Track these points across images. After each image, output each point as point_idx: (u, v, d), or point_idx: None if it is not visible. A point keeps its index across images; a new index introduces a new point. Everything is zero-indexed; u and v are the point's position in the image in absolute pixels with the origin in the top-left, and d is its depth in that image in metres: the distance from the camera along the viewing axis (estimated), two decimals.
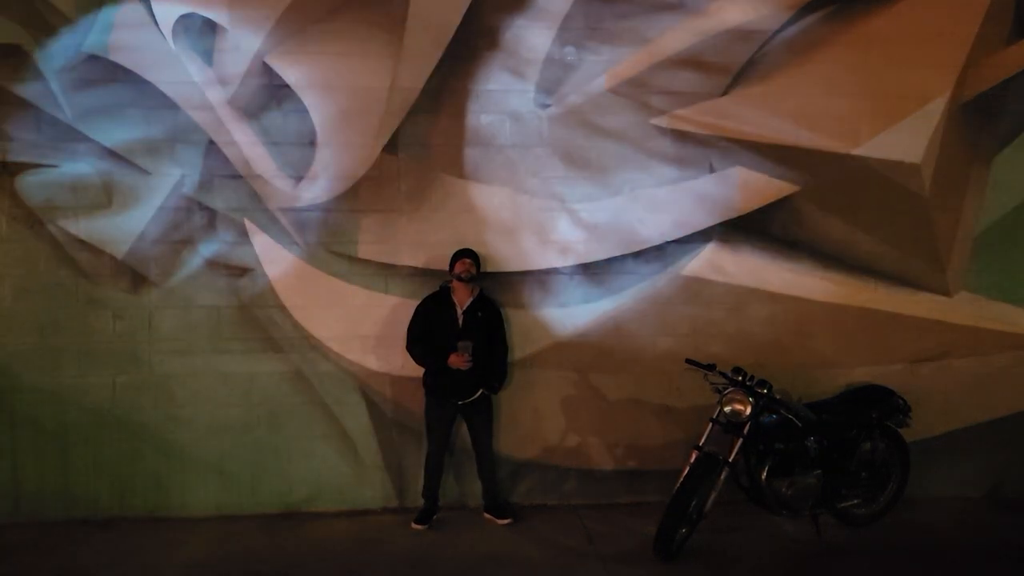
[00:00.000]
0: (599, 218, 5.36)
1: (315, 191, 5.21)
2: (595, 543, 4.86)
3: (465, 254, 5.06)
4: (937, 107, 5.34)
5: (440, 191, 5.29)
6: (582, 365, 5.41)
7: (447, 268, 5.09)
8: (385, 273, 5.29)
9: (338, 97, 5.17)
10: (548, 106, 5.31)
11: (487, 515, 5.21)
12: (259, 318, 5.24)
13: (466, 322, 5.02)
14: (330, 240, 5.24)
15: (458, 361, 4.91)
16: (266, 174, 5.18)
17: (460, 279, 5.03)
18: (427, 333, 5.03)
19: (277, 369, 5.27)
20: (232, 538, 4.93)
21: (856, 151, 5.35)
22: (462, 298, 5.06)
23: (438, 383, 5.06)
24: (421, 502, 5.19)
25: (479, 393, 5.07)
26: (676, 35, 5.29)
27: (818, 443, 4.83)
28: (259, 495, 5.30)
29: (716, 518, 4.65)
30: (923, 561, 4.62)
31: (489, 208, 5.31)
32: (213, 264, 5.20)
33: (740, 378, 4.69)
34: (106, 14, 4.99)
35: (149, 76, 5.05)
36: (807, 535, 4.89)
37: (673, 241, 5.39)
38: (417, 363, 5.09)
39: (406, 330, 5.09)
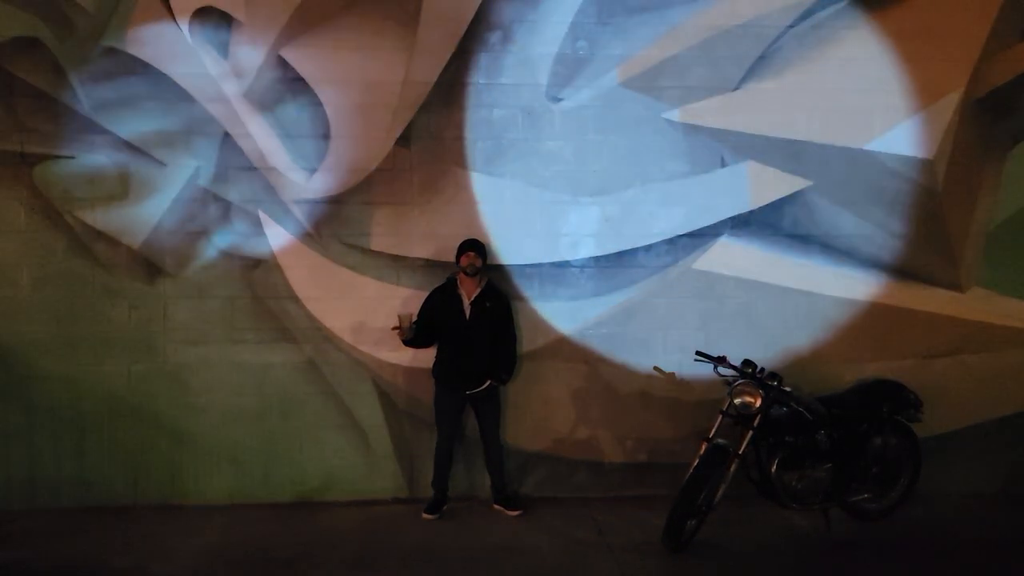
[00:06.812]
0: (610, 211, 5.38)
1: (329, 183, 5.25)
2: (604, 534, 4.87)
3: (470, 247, 5.07)
4: (950, 102, 5.33)
5: (452, 184, 5.32)
6: (592, 358, 5.43)
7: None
8: (397, 265, 5.33)
9: (352, 90, 5.21)
10: (560, 100, 5.34)
11: (497, 506, 5.24)
12: (272, 309, 5.29)
13: (473, 313, 5.04)
14: (343, 232, 5.29)
15: (395, 332, 4.93)
16: (280, 166, 5.23)
17: (465, 273, 5.06)
18: (432, 326, 5.05)
19: (290, 359, 5.32)
20: (244, 526, 4.97)
21: (868, 146, 5.34)
22: (469, 289, 5.08)
23: (446, 373, 5.10)
24: (431, 492, 5.22)
25: (487, 384, 5.10)
26: (688, 29, 5.30)
27: (829, 436, 4.81)
28: (272, 484, 5.35)
29: (725, 510, 4.65)
30: (933, 557, 4.59)
31: (501, 201, 5.33)
32: (227, 255, 5.25)
33: (750, 370, 4.70)
34: (124, 7, 5.05)
35: (166, 69, 5.12)
36: (816, 529, 4.89)
37: (684, 235, 5.40)
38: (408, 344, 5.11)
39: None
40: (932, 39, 5.33)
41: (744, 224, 5.41)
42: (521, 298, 5.37)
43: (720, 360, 4.82)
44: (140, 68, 5.10)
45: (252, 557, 4.54)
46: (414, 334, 5.00)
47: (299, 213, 5.26)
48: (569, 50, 5.30)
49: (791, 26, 5.32)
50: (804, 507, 4.81)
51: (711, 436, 4.61)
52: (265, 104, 5.21)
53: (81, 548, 4.64)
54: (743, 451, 4.58)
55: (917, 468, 5.15)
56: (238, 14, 5.11)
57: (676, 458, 5.19)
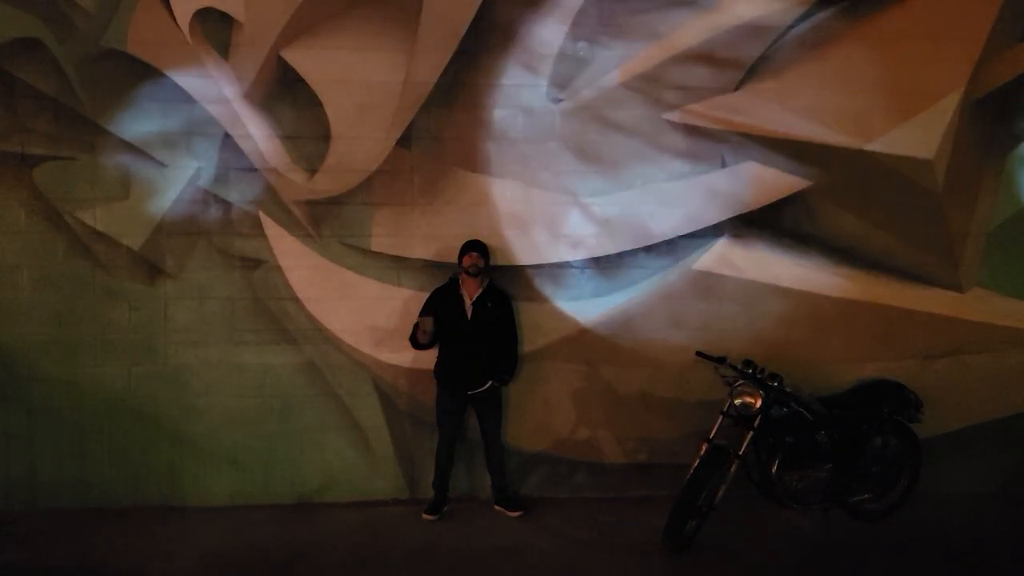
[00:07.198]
0: (611, 212, 5.38)
1: (329, 184, 5.25)
2: (604, 534, 4.88)
3: (472, 247, 5.08)
4: (950, 103, 5.31)
5: (453, 185, 5.32)
6: (593, 358, 5.43)
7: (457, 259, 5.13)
8: (398, 266, 5.33)
9: (352, 91, 5.20)
10: (561, 101, 5.34)
11: (497, 507, 5.24)
12: (273, 310, 5.29)
13: (475, 313, 5.05)
14: (344, 233, 5.29)
15: (418, 335, 4.96)
16: (281, 167, 5.23)
17: (468, 273, 5.06)
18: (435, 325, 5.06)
19: (290, 361, 5.32)
20: (245, 528, 4.97)
21: (869, 147, 5.33)
22: (471, 290, 5.09)
23: (448, 373, 5.10)
24: (432, 493, 5.23)
25: (488, 384, 5.10)
26: (689, 30, 5.29)
27: (829, 437, 4.83)
28: (272, 485, 5.35)
29: (726, 511, 4.65)
30: (933, 557, 4.61)
31: (501, 202, 5.33)
32: (228, 256, 5.25)
33: (751, 371, 4.71)
34: (124, 7, 5.04)
35: (166, 69, 5.11)
36: (816, 529, 4.90)
37: (684, 236, 5.40)
38: (419, 348, 5.12)
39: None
40: (932, 40, 5.31)
41: (744, 224, 5.41)
42: (522, 299, 5.36)
43: (720, 360, 4.82)
44: (140, 69, 5.10)
45: (252, 559, 4.55)
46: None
47: (300, 214, 5.26)
48: (569, 50, 5.29)
49: (791, 26, 5.32)
50: (804, 507, 4.83)
51: (711, 437, 4.62)
52: (265, 105, 5.21)
53: (81, 549, 4.65)
54: (743, 452, 4.59)
55: (917, 468, 5.18)
56: (238, 14, 5.11)
57: (676, 458, 5.19)
